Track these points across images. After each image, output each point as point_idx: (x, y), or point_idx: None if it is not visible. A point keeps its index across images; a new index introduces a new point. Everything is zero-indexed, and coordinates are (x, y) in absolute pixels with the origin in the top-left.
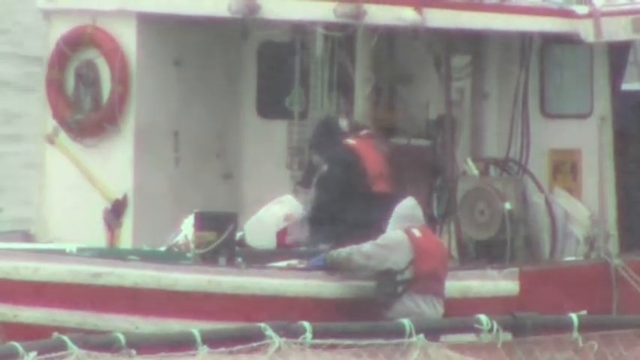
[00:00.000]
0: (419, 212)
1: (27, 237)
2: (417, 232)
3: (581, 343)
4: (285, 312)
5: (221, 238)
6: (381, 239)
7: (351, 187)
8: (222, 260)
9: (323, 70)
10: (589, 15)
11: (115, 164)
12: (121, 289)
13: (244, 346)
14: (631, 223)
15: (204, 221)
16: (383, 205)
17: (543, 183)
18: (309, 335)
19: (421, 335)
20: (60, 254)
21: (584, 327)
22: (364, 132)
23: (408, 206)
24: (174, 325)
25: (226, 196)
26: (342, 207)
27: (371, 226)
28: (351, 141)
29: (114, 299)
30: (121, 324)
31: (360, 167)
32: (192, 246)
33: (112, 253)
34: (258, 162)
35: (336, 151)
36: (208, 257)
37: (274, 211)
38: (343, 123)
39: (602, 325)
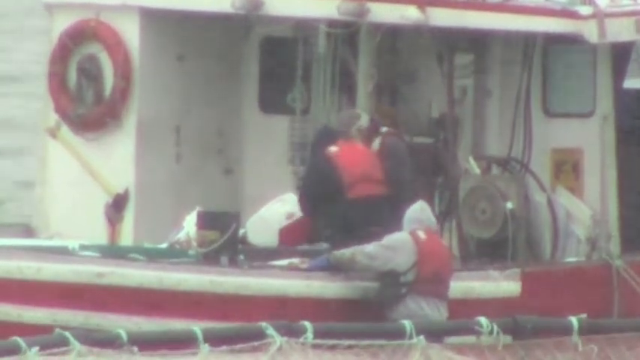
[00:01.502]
0: (427, 215)
1: (27, 231)
2: (422, 235)
3: (581, 347)
4: (287, 312)
5: (223, 238)
6: (385, 240)
7: (325, 195)
8: (224, 260)
9: (325, 66)
10: (593, 16)
11: (116, 159)
12: (124, 289)
13: (245, 345)
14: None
15: (207, 220)
16: (363, 210)
17: (545, 182)
18: (310, 335)
19: (421, 337)
20: (63, 254)
21: (585, 330)
22: (384, 130)
23: (415, 209)
24: (176, 326)
25: (227, 191)
26: (318, 214)
27: (347, 232)
28: (333, 149)
29: (117, 299)
30: (123, 324)
31: (332, 177)
32: (194, 243)
33: (114, 251)
34: (260, 158)
35: (312, 161)
36: (211, 256)
37: (276, 209)
38: (364, 118)
39: (603, 328)
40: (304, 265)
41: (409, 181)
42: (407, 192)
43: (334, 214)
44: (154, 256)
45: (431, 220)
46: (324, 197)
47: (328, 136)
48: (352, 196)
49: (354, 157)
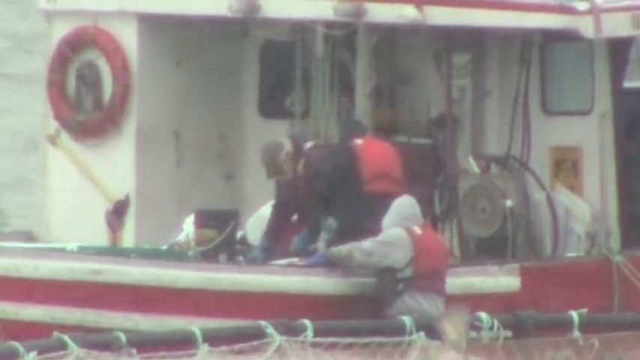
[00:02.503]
0: (417, 210)
1: (29, 238)
2: (417, 230)
3: (581, 342)
4: (285, 309)
5: (222, 236)
6: (382, 236)
7: (341, 186)
8: (222, 257)
9: (324, 69)
10: (589, 11)
11: (116, 165)
12: (121, 286)
13: (245, 345)
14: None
15: (205, 219)
16: (377, 206)
17: (545, 180)
18: (309, 333)
19: (422, 333)
20: (60, 252)
21: (585, 325)
22: (308, 145)
23: (408, 205)
24: (174, 323)
25: (228, 196)
26: (331, 206)
27: (361, 225)
28: (358, 141)
29: (114, 296)
30: (121, 321)
31: (352, 168)
32: (193, 244)
33: (112, 252)
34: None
35: (333, 151)
36: (209, 255)
37: None
38: (287, 144)
39: (603, 323)
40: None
41: (320, 195)
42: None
43: (348, 206)
44: (152, 258)
45: (420, 215)
46: (341, 188)
47: (357, 130)
48: (369, 190)
49: (377, 153)
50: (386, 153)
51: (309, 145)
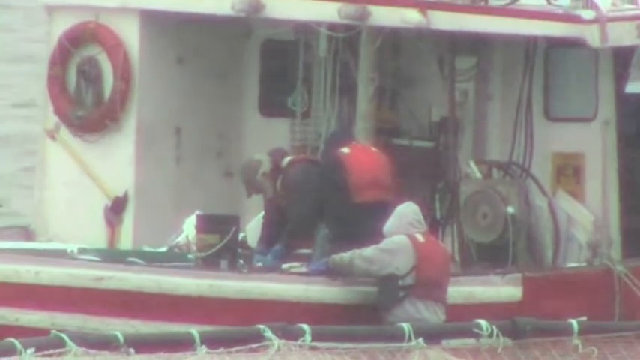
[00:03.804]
0: (420, 217)
1: (26, 233)
2: (420, 238)
3: (581, 349)
4: (286, 316)
5: (223, 242)
6: (384, 244)
7: (331, 198)
8: (224, 263)
9: (326, 70)
10: (595, 20)
11: (115, 161)
12: (122, 292)
13: (243, 347)
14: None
15: (206, 223)
16: (369, 216)
17: (546, 186)
18: (308, 337)
19: (420, 339)
20: (61, 257)
21: (585, 333)
22: (287, 160)
23: (411, 211)
24: (175, 330)
25: (227, 194)
26: (320, 219)
27: (353, 236)
28: (344, 150)
29: (115, 303)
30: (122, 328)
31: (340, 179)
32: (193, 247)
33: (112, 255)
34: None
35: (321, 165)
36: (210, 260)
37: None
38: (265, 162)
39: (603, 331)
40: (303, 269)
41: (304, 217)
42: (298, 227)
43: (339, 217)
44: (152, 260)
45: (423, 222)
46: (331, 200)
47: (340, 139)
48: (359, 200)
49: (365, 161)
50: (374, 161)
51: (286, 161)
